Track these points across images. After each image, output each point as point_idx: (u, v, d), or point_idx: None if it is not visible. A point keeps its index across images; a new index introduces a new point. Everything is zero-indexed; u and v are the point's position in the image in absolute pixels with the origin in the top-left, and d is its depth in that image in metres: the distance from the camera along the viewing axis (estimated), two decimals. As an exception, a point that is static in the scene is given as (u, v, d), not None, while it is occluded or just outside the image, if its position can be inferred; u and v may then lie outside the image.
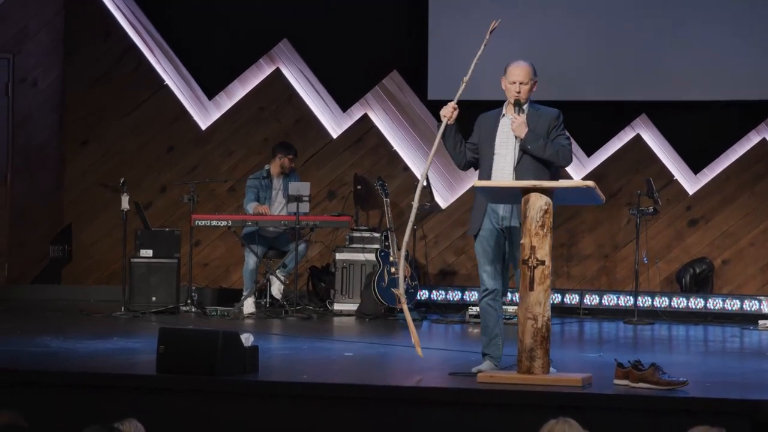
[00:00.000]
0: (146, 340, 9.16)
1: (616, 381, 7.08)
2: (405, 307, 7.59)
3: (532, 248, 7.05)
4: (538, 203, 7.05)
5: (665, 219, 12.51)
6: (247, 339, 7.36)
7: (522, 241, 7.09)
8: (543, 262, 7.04)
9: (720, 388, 7.24)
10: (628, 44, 12.48)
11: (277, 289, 11.88)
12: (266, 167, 12.18)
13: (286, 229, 11.80)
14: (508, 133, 7.60)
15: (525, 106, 7.61)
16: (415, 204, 7.74)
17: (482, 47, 7.65)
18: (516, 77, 7.64)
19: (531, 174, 7.44)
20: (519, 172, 7.51)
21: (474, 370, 7.49)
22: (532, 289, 7.04)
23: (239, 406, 6.98)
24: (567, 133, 7.65)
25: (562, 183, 7.32)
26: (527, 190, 7.09)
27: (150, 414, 6.21)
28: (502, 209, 7.56)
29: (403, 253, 7.67)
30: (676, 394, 6.79)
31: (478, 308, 11.25)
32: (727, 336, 10.93)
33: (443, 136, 7.62)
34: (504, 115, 7.69)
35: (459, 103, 7.65)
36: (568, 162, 7.63)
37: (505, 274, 7.73)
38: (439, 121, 7.72)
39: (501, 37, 12.49)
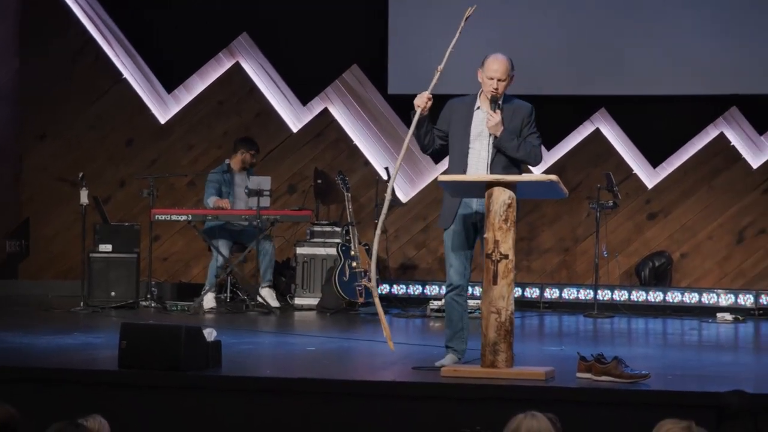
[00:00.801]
0: (107, 335, 9.12)
1: (579, 374, 7.10)
2: (377, 300, 7.58)
3: (496, 242, 7.06)
4: (501, 197, 7.06)
5: (624, 213, 12.56)
6: (209, 334, 7.34)
7: (485, 235, 7.10)
8: (506, 256, 7.06)
9: (681, 381, 7.29)
10: (587, 39, 12.52)
11: (271, 298, 11.76)
12: (227, 162, 12.13)
13: (256, 223, 11.66)
14: (483, 129, 7.55)
15: (500, 102, 7.57)
16: (388, 197, 7.73)
17: (457, 35, 7.60)
18: (494, 73, 7.54)
19: (502, 170, 7.44)
20: (492, 168, 7.51)
21: (437, 363, 7.49)
22: (495, 283, 7.06)
23: (203, 401, 6.96)
24: (538, 131, 7.63)
25: (526, 177, 7.33)
26: (491, 184, 7.10)
27: (113, 409, 6.17)
28: (475, 203, 7.53)
29: (375, 247, 7.66)
30: (639, 387, 6.82)
31: (439, 302, 11.39)
32: (686, 329, 11.00)
33: (417, 127, 7.55)
34: (479, 107, 7.63)
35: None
36: (539, 162, 7.62)
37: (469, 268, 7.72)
38: (403, 114, 7.70)
39: (462, 31, 12.57)
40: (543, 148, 12.42)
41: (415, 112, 7.49)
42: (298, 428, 6.85)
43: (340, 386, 7.01)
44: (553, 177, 7.12)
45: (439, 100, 7.77)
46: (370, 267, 11.52)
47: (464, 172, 7.53)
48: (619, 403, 6.68)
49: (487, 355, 7.08)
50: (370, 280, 11.54)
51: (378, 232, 7.70)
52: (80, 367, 7.47)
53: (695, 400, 6.50)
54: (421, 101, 7.52)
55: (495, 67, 7.56)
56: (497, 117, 7.47)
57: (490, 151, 7.52)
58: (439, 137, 7.66)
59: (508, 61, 7.60)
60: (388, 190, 7.75)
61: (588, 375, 7.03)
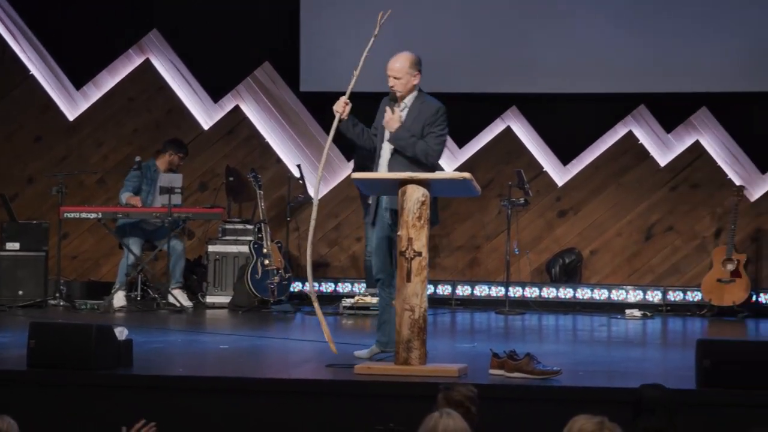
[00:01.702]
0: (15, 334, 9.00)
1: (492, 371, 7.14)
2: (316, 304, 7.60)
3: (410, 240, 7.08)
4: (415, 195, 7.08)
5: (535, 210, 12.66)
6: (121, 332, 7.28)
7: (399, 233, 7.12)
8: (420, 254, 7.09)
9: (592, 377, 7.37)
10: (498, 37, 12.58)
11: (182, 297, 11.66)
12: (152, 160, 12.04)
13: (168, 221, 11.55)
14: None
15: (407, 99, 7.60)
16: (315, 201, 7.79)
17: (372, 39, 7.63)
18: (389, 71, 7.65)
19: (405, 168, 7.46)
20: (392, 165, 7.54)
21: (356, 353, 7.53)
22: (409, 280, 7.08)
23: (114, 400, 6.89)
24: (444, 131, 7.62)
25: (439, 175, 7.37)
26: (404, 182, 7.12)
27: (22, 409, 6.09)
28: (385, 200, 7.59)
29: (309, 251, 7.70)
30: (550, 384, 6.88)
31: (352, 300, 11.40)
32: (595, 325, 11.11)
33: (342, 131, 7.59)
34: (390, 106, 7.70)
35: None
36: (431, 162, 7.59)
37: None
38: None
39: (371, 28, 12.58)
40: (455, 145, 12.71)
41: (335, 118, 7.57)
42: (210, 427, 6.82)
43: (254, 384, 6.99)
44: (467, 175, 7.16)
45: (354, 100, 7.80)
46: (272, 266, 11.52)
47: (377, 169, 7.58)
48: (531, 399, 6.74)
49: (401, 352, 7.10)
50: (283, 278, 11.55)
51: (310, 236, 7.95)
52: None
53: (607, 395, 6.59)
54: (339, 107, 7.58)
55: (390, 65, 7.67)
56: (390, 114, 7.53)
57: (390, 148, 7.58)
58: (374, 135, 7.73)
59: (406, 59, 7.64)
60: (315, 203, 7.85)
61: (501, 372, 7.08)
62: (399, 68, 7.59)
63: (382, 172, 7.57)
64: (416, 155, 7.53)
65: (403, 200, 7.10)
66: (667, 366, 8.18)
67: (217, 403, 6.83)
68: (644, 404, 5.48)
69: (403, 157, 7.54)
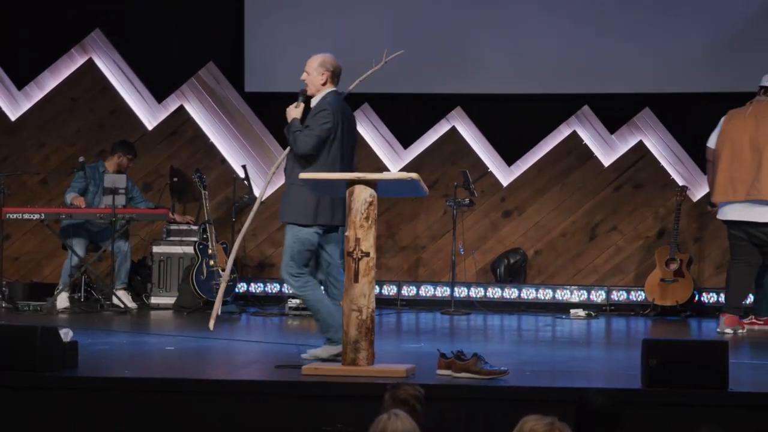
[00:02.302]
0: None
1: (439, 371, 7.14)
2: (222, 287, 7.99)
3: (357, 240, 7.07)
4: (362, 195, 7.07)
5: (480, 210, 12.69)
6: (66, 334, 7.21)
7: (347, 233, 7.12)
8: (368, 254, 7.08)
9: (539, 377, 7.40)
10: (442, 37, 12.60)
11: (126, 298, 11.57)
12: (101, 162, 11.95)
13: (111, 222, 11.45)
14: None
15: (315, 98, 7.83)
16: (259, 200, 7.90)
17: (371, 71, 8.04)
18: (305, 66, 7.88)
19: (292, 163, 7.77)
20: (286, 160, 7.82)
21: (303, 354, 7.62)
22: (356, 281, 7.07)
23: (59, 402, 6.82)
24: (320, 127, 7.71)
25: (387, 175, 7.37)
26: (352, 182, 7.11)
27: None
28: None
29: (238, 241, 7.75)
30: (498, 384, 6.89)
31: (297, 301, 11.38)
32: (540, 325, 11.15)
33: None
34: None
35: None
36: (300, 151, 7.72)
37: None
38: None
39: (317, 28, 12.59)
40: (400, 146, 12.74)
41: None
42: (157, 429, 6.77)
43: (200, 385, 6.95)
44: (414, 175, 7.16)
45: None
46: (217, 266, 11.50)
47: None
48: (478, 399, 6.74)
49: (348, 352, 7.09)
50: (228, 279, 11.52)
51: (243, 232, 8.02)
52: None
53: (554, 395, 6.61)
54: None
55: (307, 61, 7.91)
56: (290, 108, 7.84)
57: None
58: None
59: (316, 59, 7.87)
60: (260, 195, 7.99)
61: (448, 372, 7.08)
62: (309, 65, 7.89)
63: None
64: (291, 143, 7.77)
65: (351, 200, 7.09)
66: (612, 365, 8.23)
67: (162, 405, 6.79)
68: (588, 413, 5.49)
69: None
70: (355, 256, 7.07)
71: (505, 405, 6.64)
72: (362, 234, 7.08)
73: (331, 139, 7.73)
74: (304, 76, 7.86)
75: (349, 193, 7.11)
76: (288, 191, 7.84)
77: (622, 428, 5.46)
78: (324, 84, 7.84)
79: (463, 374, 7.01)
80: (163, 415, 6.75)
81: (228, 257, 11.54)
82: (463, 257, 12.44)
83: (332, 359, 7.56)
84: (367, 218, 7.09)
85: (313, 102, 7.86)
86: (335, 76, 7.88)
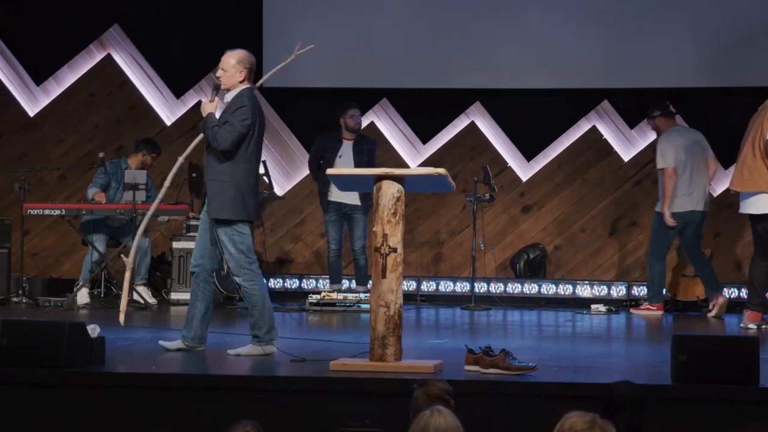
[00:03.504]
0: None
1: (467, 367, 7.11)
2: (128, 275, 8.29)
3: (385, 236, 7.05)
4: (390, 191, 7.05)
5: (500, 206, 12.67)
6: (93, 330, 7.19)
7: (374, 229, 7.10)
8: (395, 250, 7.06)
9: (567, 373, 7.36)
10: (460, 32, 12.59)
11: (148, 296, 11.57)
12: (124, 158, 11.94)
13: (132, 218, 11.44)
14: None
15: (230, 94, 7.90)
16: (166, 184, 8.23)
17: (284, 63, 8.20)
18: (220, 62, 7.96)
19: (211, 157, 7.95)
20: (206, 155, 8.02)
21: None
22: (384, 276, 7.04)
23: (87, 399, 6.81)
24: (240, 122, 7.77)
25: (415, 170, 7.39)
26: (379, 178, 7.09)
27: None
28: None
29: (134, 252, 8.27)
30: (526, 379, 6.87)
31: (317, 296, 11.37)
32: (561, 320, 11.12)
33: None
34: None
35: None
36: (221, 146, 7.82)
37: None
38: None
39: (334, 24, 12.57)
40: (419, 141, 12.72)
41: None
42: (184, 424, 6.76)
43: (227, 381, 6.93)
44: (442, 170, 7.14)
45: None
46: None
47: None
48: (507, 395, 6.71)
49: (376, 348, 7.06)
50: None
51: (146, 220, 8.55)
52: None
53: (584, 391, 6.55)
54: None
55: (223, 58, 8.00)
56: (206, 100, 7.97)
57: None
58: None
59: (234, 56, 7.99)
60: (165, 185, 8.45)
61: (476, 368, 7.05)
62: (226, 62, 7.96)
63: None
64: (210, 139, 7.85)
65: (378, 196, 7.07)
66: (637, 361, 8.18)
67: (190, 401, 6.78)
68: (615, 402, 5.48)
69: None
70: (382, 252, 7.05)
71: (535, 401, 6.62)
72: (390, 229, 7.06)
73: (250, 135, 7.85)
74: (219, 72, 7.90)
75: (377, 189, 7.09)
76: (212, 187, 7.90)
77: (647, 417, 5.46)
78: (242, 81, 7.91)
79: (492, 370, 6.98)
80: (190, 411, 6.74)
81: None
82: (483, 252, 12.41)
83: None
84: (394, 214, 7.07)
85: (228, 97, 7.93)
86: (252, 73, 7.98)
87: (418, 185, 7.45)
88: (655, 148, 11.38)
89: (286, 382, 6.94)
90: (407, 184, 7.13)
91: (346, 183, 7.45)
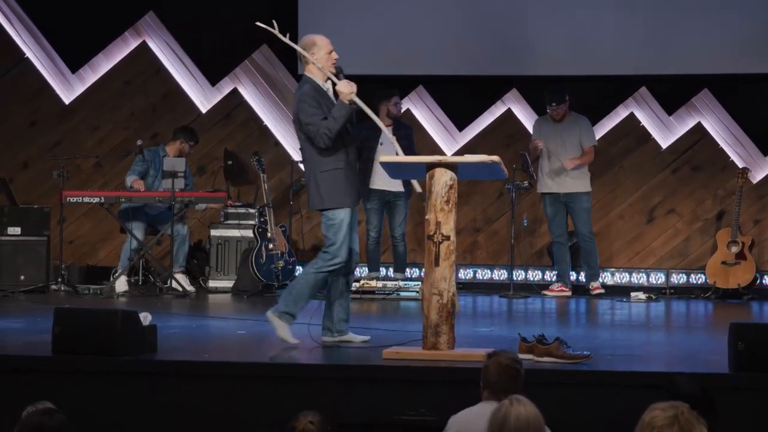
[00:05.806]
0: (26, 320, 8.93)
1: (521, 355, 7.04)
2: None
3: (438, 223, 7.03)
4: (443, 178, 7.03)
5: (537, 193, 12.59)
6: (145, 318, 7.19)
7: (427, 217, 7.07)
8: (448, 238, 7.04)
9: (621, 361, 7.30)
10: (497, 19, 12.52)
11: (186, 283, 11.56)
12: (162, 146, 11.92)
13: (170, 205, 11.42)
14: None
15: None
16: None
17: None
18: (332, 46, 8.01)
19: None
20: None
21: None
22: (437, 264, 7.03)
23: (140, 387, 6.81)
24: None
25: (468, 158, 7.32)
26: (432, 165, 7.06)
27: (47, 397, 5.99)
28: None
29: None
30: (581, 368, 6.83)
31: (357, 284, 11.34)
32: (601, 308, 11.06)
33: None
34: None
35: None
36: (320, 145, 7.73)
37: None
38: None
39: (371, 10, 12.52)
40: (455, 128, 12.68)
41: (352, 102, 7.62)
42: (238, 412, 6.75)
43: (281, 369, 6.92)
44: (495, 158, 7.12)
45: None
46: (276, 250, 11.46)
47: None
48: (562, 383, 6.68)
49: (429, 337, 7.04)
50: (288, 262, 11.49)
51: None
52: (10, 353, 7.26)
53: (641, 380, 6.53)
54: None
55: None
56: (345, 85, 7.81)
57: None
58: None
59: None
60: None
61: (530, 356, 7.01)
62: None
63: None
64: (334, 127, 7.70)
65: (431, 184, 7.04)
66: (690, 349, 8.07)
67: (243, 389, 6.76)
68: (681, 393, 5.42)
69: None
70: (435, 240, 7.03)
71: (590, 390, 6.60)
72: (443, 217, 7.04)
73: None
74: (336, 56, 7.83)
75: (429, 176, 7.06)
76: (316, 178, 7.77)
77: (714, 416, 5.38)
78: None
79: (546, 358, 6.96)
80: (245, 398, 6.73)
81: (286, 240, 11.57)
82: (522, 235, 12.35)
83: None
84: (447, 201, 7.06)
85: (329, 85, 7.78)
86: None
87: (472, 173, 7.43)
88: (587, 127, 11.81)
89: (340, 370, 6.92)
90: (460, 172, 7.10)
91: (396, 170, 7.41)
